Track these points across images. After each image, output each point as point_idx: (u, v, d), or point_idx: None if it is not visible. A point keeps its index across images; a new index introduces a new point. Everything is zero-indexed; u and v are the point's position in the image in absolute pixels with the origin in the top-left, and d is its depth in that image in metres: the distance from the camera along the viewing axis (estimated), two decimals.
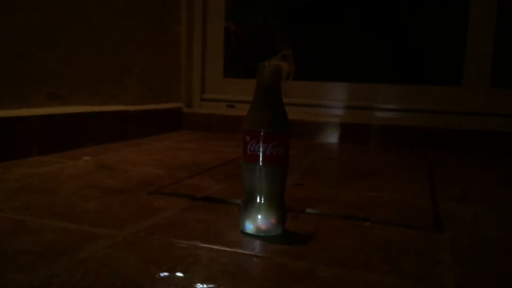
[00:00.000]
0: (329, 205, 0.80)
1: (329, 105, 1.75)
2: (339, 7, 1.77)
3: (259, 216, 0.62)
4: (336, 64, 1.80)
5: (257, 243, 0.60)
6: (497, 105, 1.55)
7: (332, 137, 1.68)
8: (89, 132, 1.31)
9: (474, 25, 1.57)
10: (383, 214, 0.76)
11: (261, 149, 0.61)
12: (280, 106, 0.62)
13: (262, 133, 0.60)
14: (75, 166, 1.05)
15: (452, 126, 1.56)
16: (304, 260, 0.56)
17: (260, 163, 0.61)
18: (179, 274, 0.50)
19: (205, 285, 0.47)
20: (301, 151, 1.41)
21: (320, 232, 0.66)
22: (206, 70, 1.92)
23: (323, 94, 1.77)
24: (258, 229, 0.62)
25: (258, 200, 0.62)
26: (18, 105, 1.09)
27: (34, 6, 1.12)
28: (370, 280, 0.51)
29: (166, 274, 0.50)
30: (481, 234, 0.69)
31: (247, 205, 0.63)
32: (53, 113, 1.18)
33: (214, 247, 0.58)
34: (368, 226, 0.70)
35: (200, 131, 1.81)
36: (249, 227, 0.63)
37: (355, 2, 1.75)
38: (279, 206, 0.64)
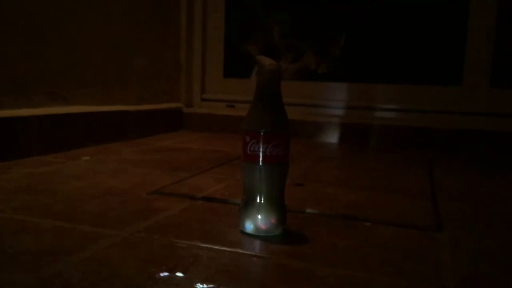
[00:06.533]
0: (329, 205, 0.80)
1: (329, 105, 1.75)
2: (339, 7, 1.77)
3: (259, 216, 0.62)
4: (336, 64, 1.80)
5: (257, 243, 0.60)
6: (497, 105, 1.55)
7: (332, 137, 1.68)
8: (89, 132, 1.31)
9: (474, 25, 1.57)
10: (383, 214, 0.76)
11: (261, 149, 0.61)
12: (280, 106, 0.62)
13: (262, 133, 0.60)
14: (75, 166, 1.05)
15: (452, 126, 1.56)
16: (304, 260, 0.56)
17: (260, 163, 0.61)
18: (179, 274, 0.50)
19: (205, 285, 0.47)
20: (301, 151, 1.41)
21: (320, 232, 0.66)
22: (206, 70, 1.92)
23: (323, 94, 1.77)
24: (258, 229, 0.62)
25: (258, 200, 0.62)
26: (18, 105, 1.09)
27: (34, 6, 1.12)
28: (370, 280, 0.51)
29: (166, 274, 0.50)
30: (481, 234, 0.69)
31: (247, 205, 0.63)
32: (53, 113, 1.18)
33: (214, 247, 0.58)
34: (368, 226, 0.70)
35: (200, 131, 1.81)
36: (249, 227, 0.63)
37: (355, 2, 1.75)
38: (279, 206, 0.64)
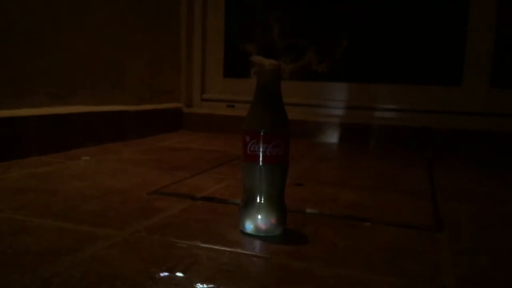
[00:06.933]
0: (329, 205, 0.80)
1: (329, 105, 1.75)
2: (339, 7, 1.77)
3: (259, 216, 0.62)
4: (336, 64, 1.80)
5: (257, 243, 0.60)
6: (497, 105, 1.55)
7: (332, 137, 1.68)
8: (89, 132, 1.31)
9: (474, 25, 1.57)
10: (383, 214, 0.76)
11: (261, 149, 0.61)
12: (280, 106, 0.62)
13: (262, 133, 0.60)
14: (75, 166, 1.05)
15: (452, 126, 1.56)
16: (304, 260, 0.56)
17: (260, 163, 0.61)
18: (179, 274, 0.50)
19: (205, 285, 0.47)
20: (301, 151, 1.41)
21: (320, 232, 0.66)
22: (206, 70, 1.92)
23: (323, 94, 1.77)
24: (258, 229, 0.62)
25: (258, 200, 0.62)
26: (18, 105, 1.09)
27: (34, 6, 1.12)
28: (370, 280, 0.51)
29: (166, 274, 0.50)
30: (481, 234, 0.69)
31: (247, 205, 0.63)
32: (53, 113, 1.18)
33: (214, 247, 0.58)
34: (368, 226, 0.70)
35: (200, 131, 1.81)
36: (249, 227, 0.63)
37: (354, 2, 1.75)
38: (279, 206, 0.64)
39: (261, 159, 0.61)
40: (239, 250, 0.57)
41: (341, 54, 1.77)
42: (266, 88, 0.62)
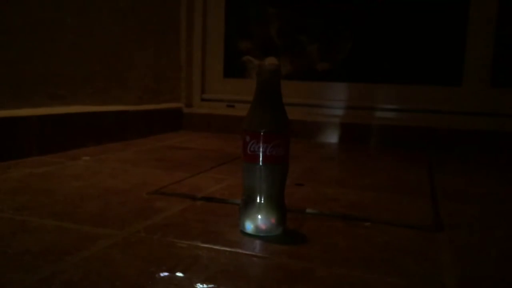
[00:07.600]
0: (329, 205, 0.80)
1: (329, 105, 1.75)
2: (339, 7, 1.77)
3: (259, 216, 0.62)
4: (336, 64, 1.80)
5: (257, 243, 0.60)
6: (497, 105, 1.55)
7: (332, 137, 1.68)
8: (89, 132, 1.31)
9: (474, 25, 1.57)
10: (383, 214, 0.76)
11: (261, 149, 0.61)
12: (280, 106, 0.62)
13: (262, 133, 0.60)
14: (75, 166, 1.05)
15: (452, 126, 1.56)
16: (304, 260, 0.56)
17: (260, 163, 0.61)
18: (179, 274, 0.50)
19: (205, 285, 0.47)
20: (301, 151, 1.41)
21: (320, 232, 0.66)
22: (206, 70, 1.92)
23: (323, 94, 1.77)
24: (258, 229, 0.62)
25: (258, 200, 0.62)
26: (18, 105, 1.09)
27: (34, 6, 1.12)
28: (370, 280, 0.51)
29: (166, 274, 0.50)
30: (481, 234, 0.69)
31: (247, 205, 0.63)
32: (53, 113, 1.18)
33: (214, 247, 0.58)
34: (368, 226, 0.70)
35: (200, 131, 1.81)
36: (249, 227, 0.63)
37: (354, 3, 1.75)
38: (279, 206, 0.64)
39: (261, 159, 0.61)
40: (239, 250, 0.57)
41: (341, 54, 1.77)
42: (266, 88, 0.62)
